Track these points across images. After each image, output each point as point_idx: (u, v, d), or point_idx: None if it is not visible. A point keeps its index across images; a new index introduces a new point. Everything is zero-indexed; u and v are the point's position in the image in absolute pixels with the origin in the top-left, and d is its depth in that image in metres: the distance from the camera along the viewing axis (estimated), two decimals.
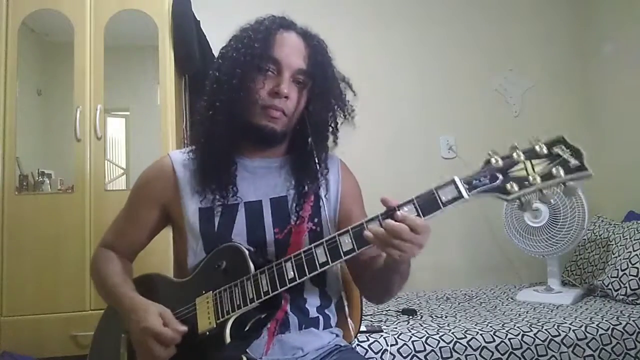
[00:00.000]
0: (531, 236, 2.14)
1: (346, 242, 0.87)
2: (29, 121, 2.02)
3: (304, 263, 0.90)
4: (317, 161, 1.07)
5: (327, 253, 0.89)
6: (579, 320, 1.68)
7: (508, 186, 0.81)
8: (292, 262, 0.91)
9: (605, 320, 1.67)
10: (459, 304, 2.09)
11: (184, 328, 0.94)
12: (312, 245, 0.91)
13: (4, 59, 1.89)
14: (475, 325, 1.67)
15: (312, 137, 1.07)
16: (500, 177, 0.82)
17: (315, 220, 1.07)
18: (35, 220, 1.86)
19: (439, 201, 0.83)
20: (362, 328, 1.55)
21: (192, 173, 1.08)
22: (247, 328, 0.95)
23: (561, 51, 2.77)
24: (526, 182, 0.80)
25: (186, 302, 1.00)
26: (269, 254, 1.03)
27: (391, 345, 1.52)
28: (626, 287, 1.92)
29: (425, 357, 1.52)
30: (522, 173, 0.81)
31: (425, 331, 1.60)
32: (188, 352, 0.94)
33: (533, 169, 0.80)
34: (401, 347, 1.53)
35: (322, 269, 0.89)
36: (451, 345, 1.54)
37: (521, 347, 1.55)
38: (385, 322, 1.76)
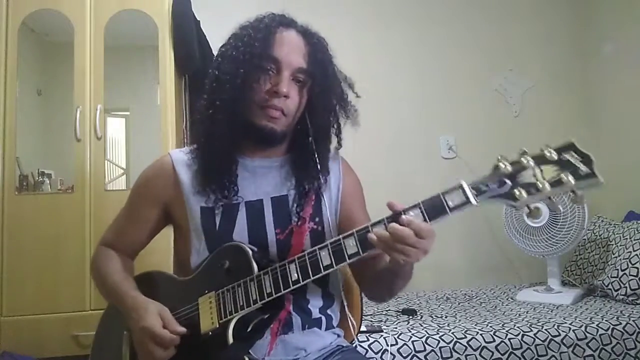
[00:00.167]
0: (531, 236, 2.14)
1: (351, 245, 0.87)
2: (29, 121, 2.02)
3: (308, 265, 0.90)
4: (317, 160, 1.06)
5: (332, 256, 0.88)
6: (579, 320, 1.68)
7: (516, 192, 0.78)
8: (296, 264, 0.91)
9: (605, 320, 1.68)
10: (459, 304, 2.09)
11: (182, 329, 0.93)
12: (317, 247, 0.90)
13: (4, 59, 1.89)
14: (475, 325, 1.67)
15: (312, 136, 1.07)
16: (509, 183, 0.79)
17: (317, 219, 1.07)
18: (35, 220, 1.86)
19: (446, 206, 0.82)
20: (362, 328, 1.55)
21: (193, 172, 1.07)
22: (249, 329, 0.94)
23: (561, 51, 2.77)
24: (535, 189, 0.77)
25: (188, 301, 0.99)
26: (270, 254, 1.02)
27: (391, 345, 1.52)
28: (626, 287, 1.93)
29: (425, 357, 1.52)
30: (530, 179, 0.78)
31: (425, 331, 1.60)
32: (190, 352, 0.94)
33: (542, 175, 0.77)
34: (401, 347, 1.53)
35: (326, 271, 0.89)
36: (451, 345, 1.54)
37: (521, 347, 1.56)
38: (385, 322, 1.76)
